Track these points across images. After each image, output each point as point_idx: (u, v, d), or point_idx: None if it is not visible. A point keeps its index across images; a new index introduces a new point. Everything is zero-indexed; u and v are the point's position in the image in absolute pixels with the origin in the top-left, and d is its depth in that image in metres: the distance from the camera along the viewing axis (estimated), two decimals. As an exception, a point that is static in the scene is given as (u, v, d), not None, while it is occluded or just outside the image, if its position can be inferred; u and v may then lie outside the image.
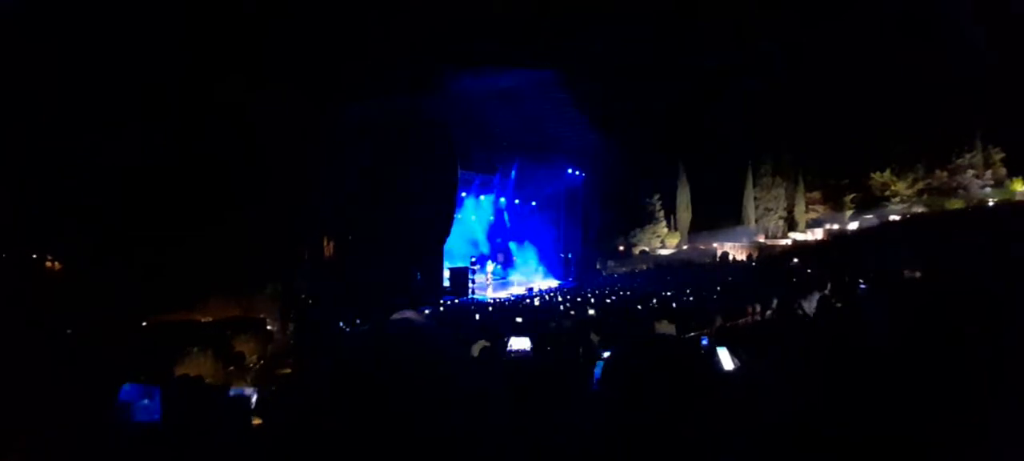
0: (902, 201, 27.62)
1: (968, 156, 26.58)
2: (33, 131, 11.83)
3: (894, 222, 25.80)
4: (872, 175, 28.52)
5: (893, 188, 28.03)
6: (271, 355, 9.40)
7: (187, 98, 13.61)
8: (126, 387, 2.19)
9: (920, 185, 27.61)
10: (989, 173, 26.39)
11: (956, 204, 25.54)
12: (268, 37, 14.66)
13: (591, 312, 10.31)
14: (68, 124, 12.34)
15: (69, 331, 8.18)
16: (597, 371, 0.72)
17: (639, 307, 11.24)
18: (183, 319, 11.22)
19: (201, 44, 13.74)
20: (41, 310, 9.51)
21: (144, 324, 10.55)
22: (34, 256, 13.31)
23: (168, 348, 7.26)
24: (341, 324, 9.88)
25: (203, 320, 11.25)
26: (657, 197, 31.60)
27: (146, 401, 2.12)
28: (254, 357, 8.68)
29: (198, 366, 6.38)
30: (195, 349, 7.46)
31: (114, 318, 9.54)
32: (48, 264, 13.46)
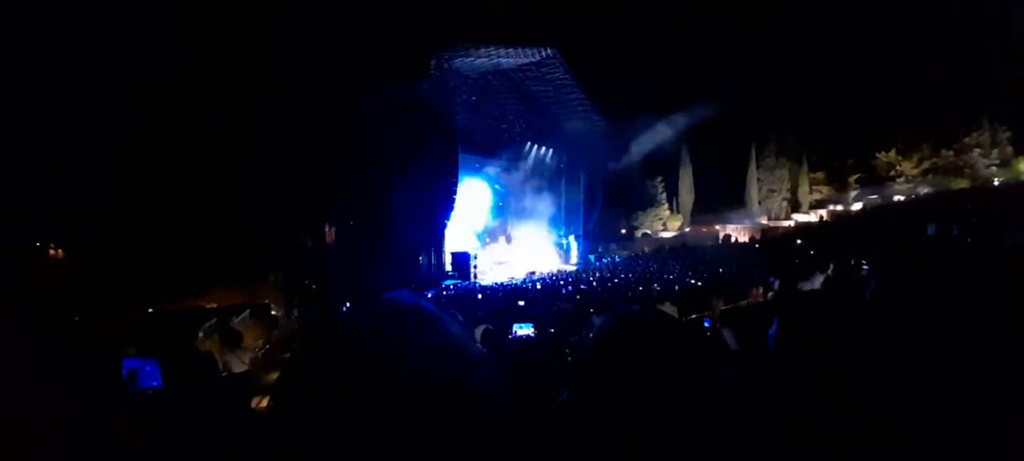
0: (907, 181, 27.43)
1: (975, 135, 26.30)
2: (39, 128, 11.84)
3: (899, 202, 25.67)
4: (877, 155, 28.28)
5: (898, 168, 27.82)
6: (276, 341, 9.49)
7: (189, 93, 13.57)
8: (127, 360, 2.26)
9: (926, 164, 27.38)
10: (995, 152, 26.13)
11: (962, 183, 25.35)
12: (268, 29, 14.54)
13: (582, 308, 10.35)
14: (73, 121, 12.34)
15: (76, 319, 8.26)
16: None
17: (640, 289, 11.27)
18: (189, 307, 11.33)
19: (202, 40, 13.66)
20: (47, 299, 9.61)
21: (150, 311, 10.66)
22: (37, 245, 13.40)
23: (175, 332, 7.36)
24: (344, 309, 9.96)
25: (208, 307, 11.35)
26: (659, 179, 31.46)
27: (148, 368, 2.21)
28: (259, 342, 8.76)
29: (206, 349, 6.47)
30: (201, 334, 7.55)
31: (121, 306, 9.64)
32: (50, 253, 13.56)
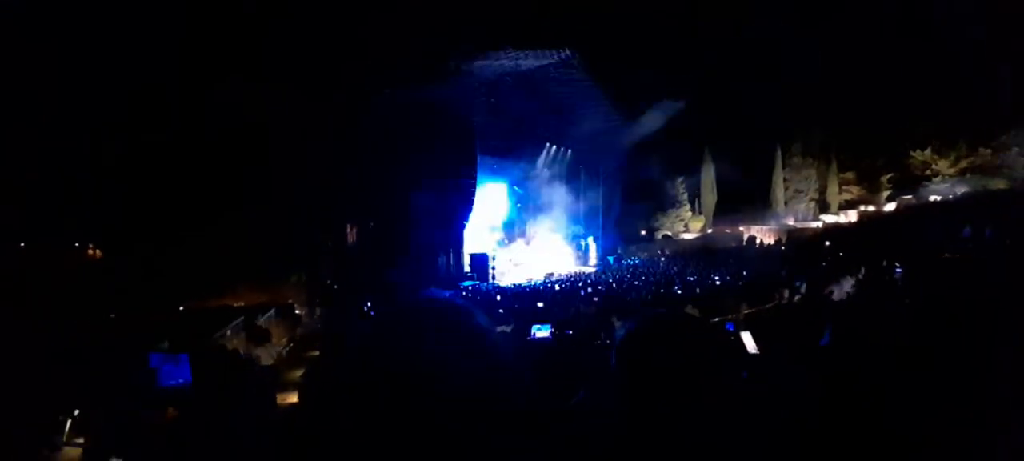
0: (944, 181, 26.30)
1: (1013, 133, 25.06)
2: (66, 127, 12.37)
3: (935, 203, 24.64)
4: (911, 154, 27.20)
5: (934, 167, 26.70)
6: (300, 339, 9.72)
7: (213, 94, 14.00)
8: (154, 355, 2.34)
9: (963, 164, 26.20)
10: (1033, 151, 24.84)
11: (1000, 184, 24.18)
12: (290, 31, 14.90)
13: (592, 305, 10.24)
14: (100, 120, 12.86)
15: (111, 315, 8.63)
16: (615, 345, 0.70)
17: (662, 291, 11.12)
18: (217, 305, 11.70)
19: (225, 42, 14.09)
20: (83, 297, 10.05)
21: (181, 309, 11.05)
22: (77, 245, 14.03)
23: (205, 329, 7.62)
24: (366, 308, 10.11)
25: (235, 306, 11.69)
26: (681, 180, 30.95)
27: (171, 366, 2.27)
28: (284, 340, 8.99)
29: (232, 346, 6.67)
30: (228, 331, 7.77)
31: (150, 304, 10.02)
32: (90, 252, 14.18)
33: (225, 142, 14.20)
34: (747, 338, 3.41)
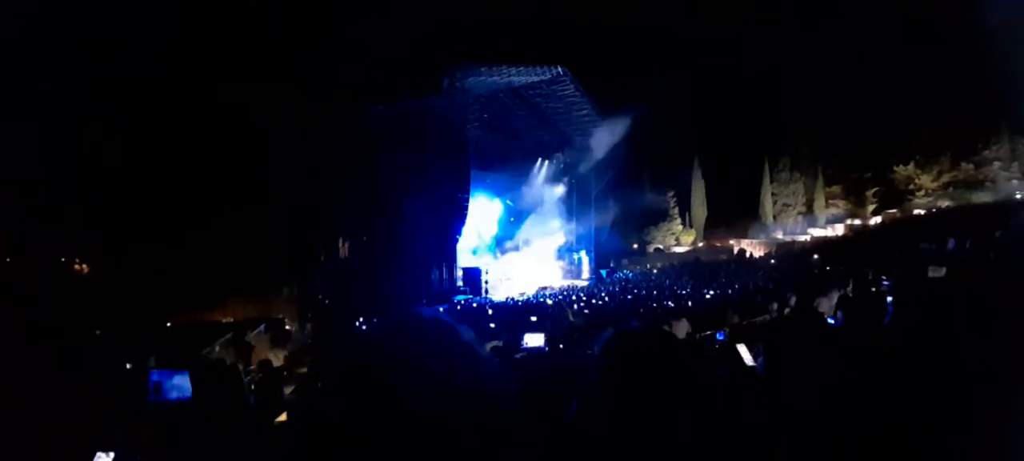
0: (927, 195, 26.84)
1: (995, 147, 25.70)
2: (57, 137, 12.27)
3: (919, 216, 25.10)
4: (895, 168, 27.77)
5: (917, 181, 27.26)
6: (290, 354, 9.58)
7: (205, 106, 13.98)
8: (154, 371, 2.31)
9: (946, 178, 26.79)
10: (1015, 165, 25.46)
11: (983, 197, 24.71)
12: (285, 46, 15.00)
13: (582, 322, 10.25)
14: (89, 130, 12.77)
15: (97, 332, 8.47)
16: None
17: (654, 305, 11.16)
18: (205, 320, 11.53)
19: (223, 51, 14.13)
20: (71, 311, 9.86)
21: (169, 324, 10.87)
22: (62, 259, 13.79)
23: (194, 345, 7.51)
24: (358, 323, 10.03)
25: (224, 321, 11.53)
26: (671, 194, 31.26)
27: (176, 379, 2.24)
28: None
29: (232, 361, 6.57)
30: (217, 347, 7.66)
31: (140, 318, 9.85)
32: (76, 267, 13.94)
33: (217, 151, 14.15)
34: (743, 350, 3.40)
